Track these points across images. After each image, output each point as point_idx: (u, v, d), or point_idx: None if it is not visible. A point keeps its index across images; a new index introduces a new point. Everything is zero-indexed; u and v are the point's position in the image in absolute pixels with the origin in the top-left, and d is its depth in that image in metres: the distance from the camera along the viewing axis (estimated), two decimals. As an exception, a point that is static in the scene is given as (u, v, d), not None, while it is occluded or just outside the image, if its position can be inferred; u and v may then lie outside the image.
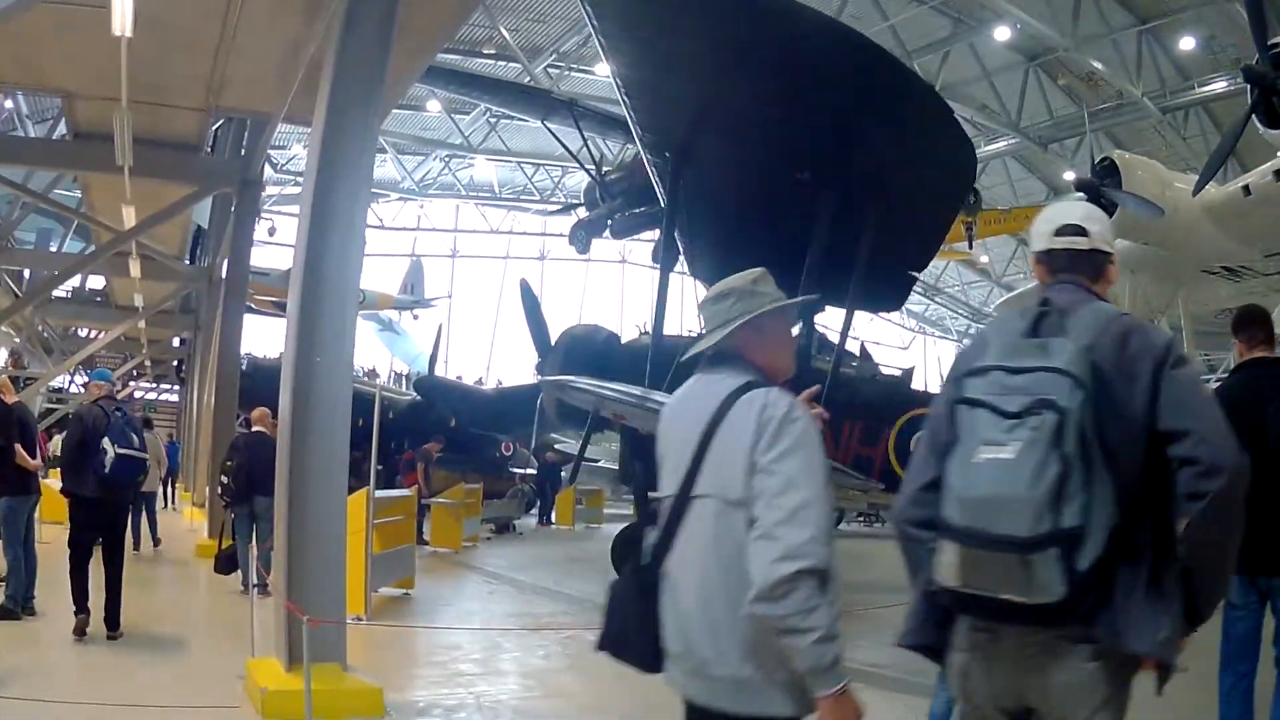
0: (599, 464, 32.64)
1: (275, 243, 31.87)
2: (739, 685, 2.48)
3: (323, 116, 6.81)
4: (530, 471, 28.10)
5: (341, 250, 6.83)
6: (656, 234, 24.42)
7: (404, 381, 35.87)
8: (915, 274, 11.33)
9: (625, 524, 27.17)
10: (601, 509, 26.71)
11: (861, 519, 28.21)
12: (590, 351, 14.02)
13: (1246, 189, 13.57)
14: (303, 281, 6.68)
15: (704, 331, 2.81)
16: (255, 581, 10.07)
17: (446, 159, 36.19)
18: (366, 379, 32.72)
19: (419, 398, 28.77)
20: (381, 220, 39.60)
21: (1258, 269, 14.93)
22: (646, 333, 14.97)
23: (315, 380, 6.69)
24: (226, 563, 10.62)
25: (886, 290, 11.44)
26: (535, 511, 25.60)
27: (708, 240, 10.82)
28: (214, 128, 15.78)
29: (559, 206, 39.05)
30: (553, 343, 14.80)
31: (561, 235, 41.90)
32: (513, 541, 20.60)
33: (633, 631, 2.75)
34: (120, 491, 8.26)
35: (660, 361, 10.76)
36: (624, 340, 14.78)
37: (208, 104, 12.79)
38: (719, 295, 2.79)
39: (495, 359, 41.01)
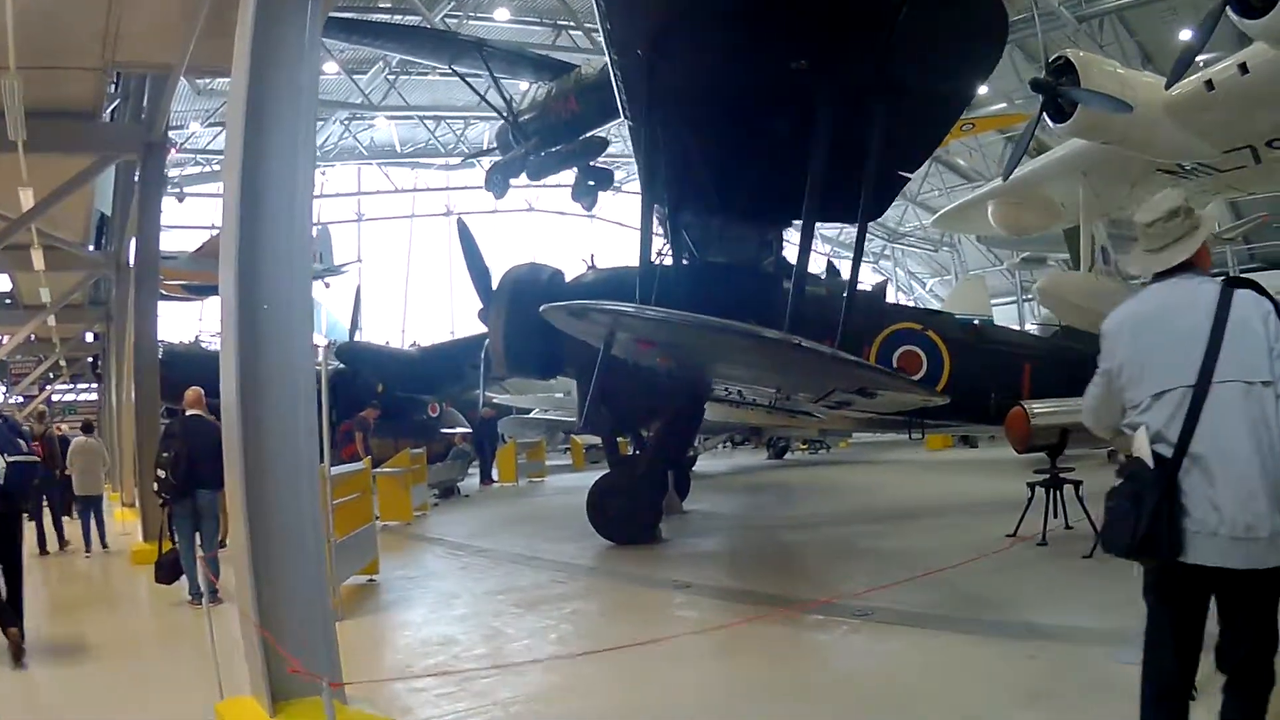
0: (531, 414, 31.22)
1: (182, 225, 29.46)
2: None
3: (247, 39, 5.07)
4: (464, 430, 26.49)
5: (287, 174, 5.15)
6: (572, 174, 23.16)
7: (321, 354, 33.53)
8: (907, 175, 9.96)
9: (572, 473, 26.12)
10: (543, 461, 25.31)
11: (806, 447, 27.45)
12: (537, 291, 12.51)
13: (1209, 83, 12.59)
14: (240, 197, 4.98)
15: (1155, 246, 3.46)
16: (204, 589, 8.58)
17: (347, 121, 33.84)
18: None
19: (343, 366, 26.75)
20: (284, 191, 36.77)
21: (1215, 166, 14.10)
22: (593, 266, 13.50)
23: (265, 340, 5.02)
24: (169, 570, 8.93)
25: (878, 196, 10.09)
26: (474, 471, 24.00)
27: (687, 155, 9.26)
28: (112, 96, 14.24)
29: (461, 160, 37.16)
30: (495, 286, 13.19)
31: (467, 188, 40.12)
32: (461, 506, 19.03)
33: (1160, 523, 3.10)
34: (15, 502, 7.52)
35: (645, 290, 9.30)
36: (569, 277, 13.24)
37: (104, 61, 11.28)
38: (1170, 213, 3.47)
39: (409, 320, 39.09)
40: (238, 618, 4.95)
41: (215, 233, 31.33)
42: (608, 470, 12.94)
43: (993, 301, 29.98)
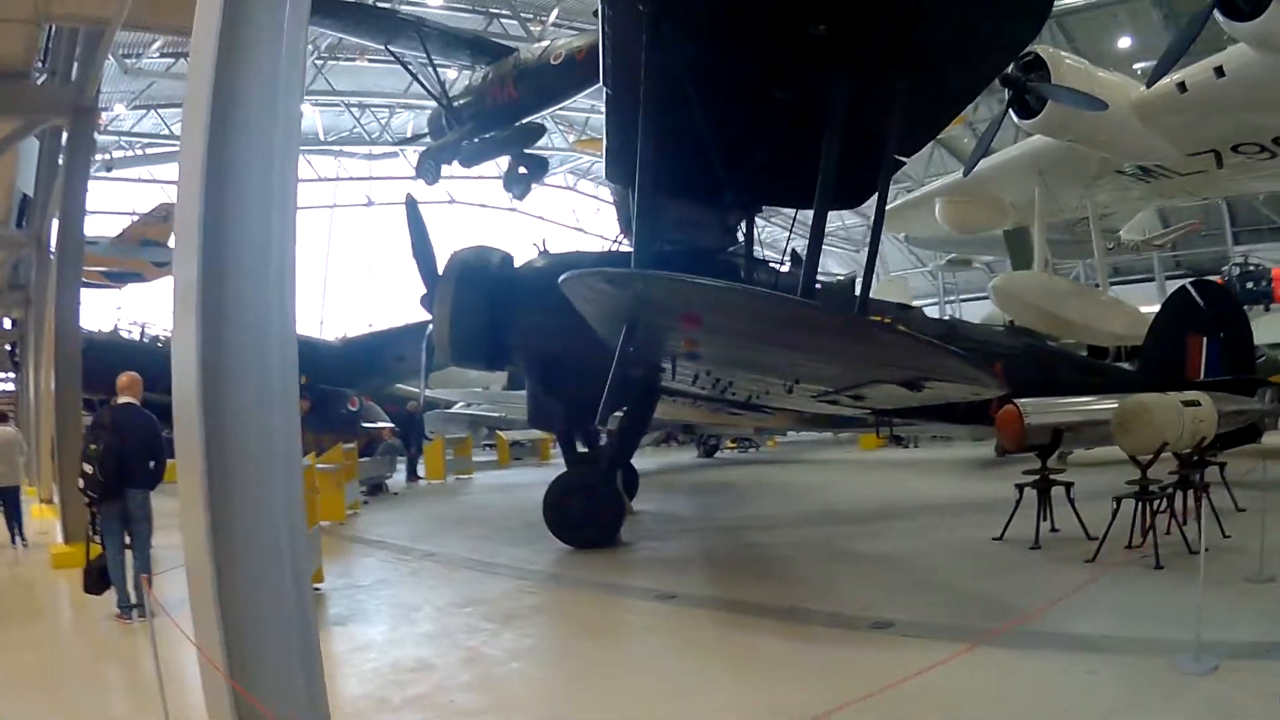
0: (455, 409, 29.80)
1: (103, 210, 27.44)
2: None
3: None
4: (388, 425, 25.01)
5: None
6: (504, 164, 22.01)
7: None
8: (904, 160, 9.11)
9: (498, 470, 24.86)
10: (470, 459, 23.96)
11: (735, 445, 26.68)
12: (487, 276, 11.42)
13: (1182, 85, 12.17)
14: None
15: None
16: (135, 602, 7.47)
17: (271, 109, 31.85)
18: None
19: (263, 355, 24.98)
20: (205, 176, 34.58)
21: (1175, 169, 13.73)
22: (545, 252, 12.43)
23: (232, 319, 3.90)
24: (99, 579, 7.67)
25: (867, 180, 9.25)
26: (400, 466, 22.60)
27: (671, 132, 8.20)
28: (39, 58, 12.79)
29: (391, 148, 35.55)
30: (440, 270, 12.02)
31: (389, 179, 38.40)
32: (392, 504, 17.68)
33: None
34: None
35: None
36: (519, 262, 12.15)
37: (36, 13, 10.29)
38: None
39: (327, 311, 37.20)
40: (190, 647, 3.81)
41: (138, 217, 29.40)
42: (565, 469, 11.80)
43: (915, 303, 29.70)
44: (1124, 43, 19.88)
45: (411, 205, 12.57)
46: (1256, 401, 11.20)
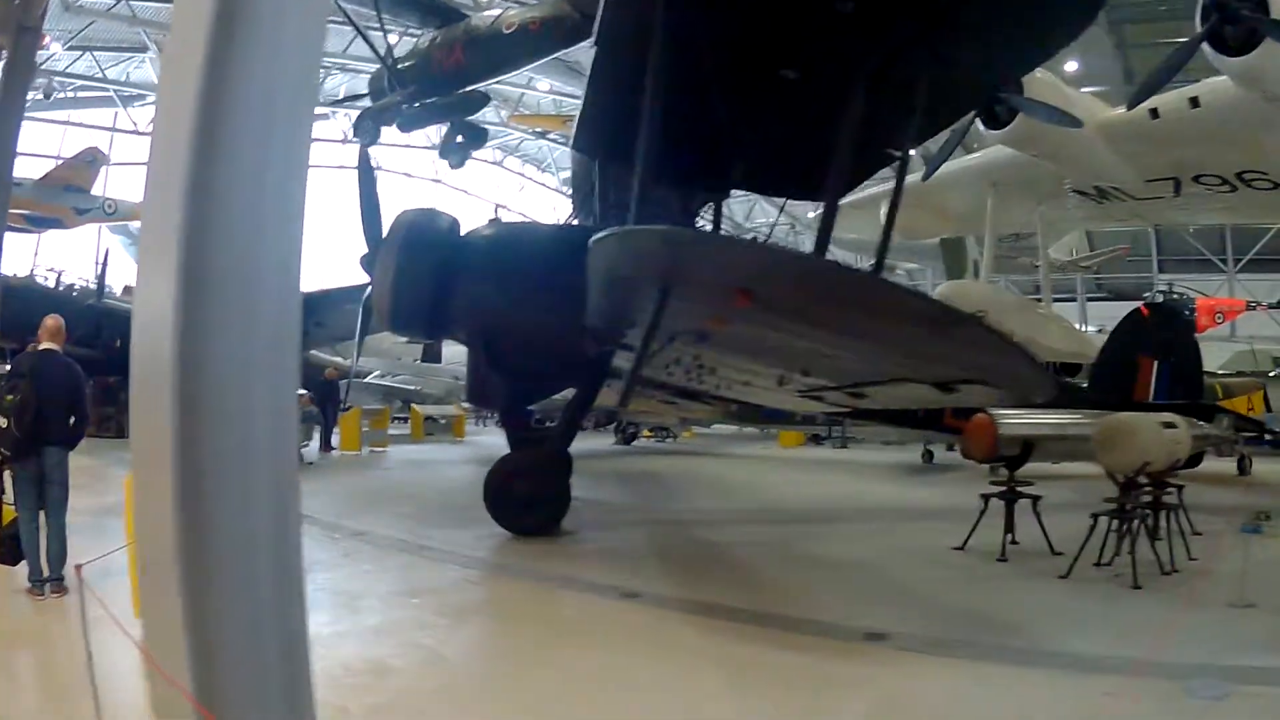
0: (369, 379, 28.39)
1: (23, 153, 25.16)
2: None
3: None
4: (303, 391, 23.57)
5: None
6: (442, 130, 20.91)
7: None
8: (896, 154, 8.48)
9: (412, 444, 23.68)
10: (386, 431, 22.72)
11: (652, 434, 25.98)
12: (434, 240, 10.47)
13: (1154, 112, 11.91)
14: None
15: None
16: (49, 575, 6.61)
17: (207, 60, 29.95)
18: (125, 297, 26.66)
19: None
20: (136, 125, 32.39)
21: (1130, 193, 13.54)
22: (497, 219, 11.52)
23: (219, 274, 3.00)
24: (13, 548, 6.65)
25: (855, 173, 8.65)
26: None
27: (662, 100, 7.39)
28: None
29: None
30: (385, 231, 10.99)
31: (317, 140, 36.50)
32: (308, 474, 16.36)
33: None
34: None
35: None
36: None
37: None
38: None
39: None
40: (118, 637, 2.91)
41: (62, 161, 27.19)
42: (508, 450, 10.84)
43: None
44: (1071, 66, 19.86)
45: (364, 159, 11.50)
46: (1215, 427, 11.02)
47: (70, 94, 29.45)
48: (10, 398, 6.45)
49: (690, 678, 5.30)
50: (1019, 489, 8.99)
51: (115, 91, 30.03)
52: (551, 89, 33.18)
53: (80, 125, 30.77)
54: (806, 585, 7.80)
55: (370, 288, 11.49)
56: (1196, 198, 13.12)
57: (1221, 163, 12.33)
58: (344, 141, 35.59)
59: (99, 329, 22.04)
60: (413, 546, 9.15)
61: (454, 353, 27.21)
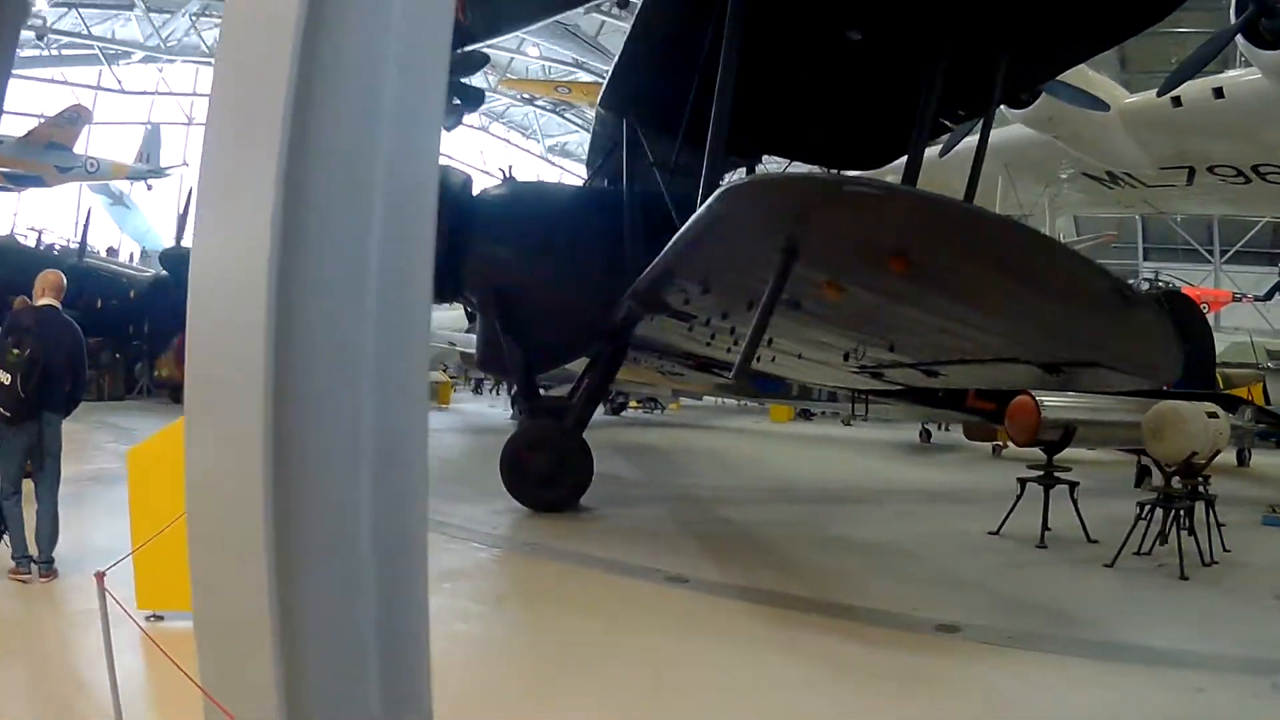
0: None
1: (6, 111, 23.89)
2: None
3: None
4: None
5: None
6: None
7: (145, 262, 28.64)
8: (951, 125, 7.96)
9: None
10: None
11: (639, 405, 25.39)
12: (446, 198, 9.74)
13: (1177, 100, 11.50)
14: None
15: None
16: (40, 557, 5.88)
17: (195, 16, 28.54)
18: (107, 258, 25.65)
19: (164, 273, 22.43)
20: (121, 83, 31.07)
21: (1142, 179, 13.15)
22: (510, 179, 10.82)
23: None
24: None
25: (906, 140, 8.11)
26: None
27: (716, 60, 6.78)
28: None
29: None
30: None
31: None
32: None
33: None
34: None
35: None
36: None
37: None
38: None
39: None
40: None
41: (45, 119, 25.88)
42: (527, 422, 10.16)
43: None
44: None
45: None
46: (1239, 418, 10.69)
47: (55, 51, 28.10)
48: (15, 353, 5.72)
49: (774, 673, 4.86)
50: (1056, 474, 8.55)
51: (100, 49, 28.66)
52: (541, 54, 32.12)
53: (64, 83, 29.39)
54: (854, 571, 7.33)
55: None
56: (1208, 188, 12.79)
57: (1239, 154, 11.99)
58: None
59: (80, 290, 21.19)
60: (430, 524, 8.53)
61: (436, 318, 26.39)
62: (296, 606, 2.43)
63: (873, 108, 8.11)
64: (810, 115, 8.53)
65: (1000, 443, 14.35)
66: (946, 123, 8.30)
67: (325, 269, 2.41)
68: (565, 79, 33.78)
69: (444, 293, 10.46)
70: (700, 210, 4.23)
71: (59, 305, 6.12)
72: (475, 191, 10.23)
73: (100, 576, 4.04)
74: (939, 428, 18.04)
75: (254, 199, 2.33)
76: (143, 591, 4.96)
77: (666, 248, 5.42)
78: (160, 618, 4.97)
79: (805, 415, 23.12)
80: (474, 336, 22.02)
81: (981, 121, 7.72)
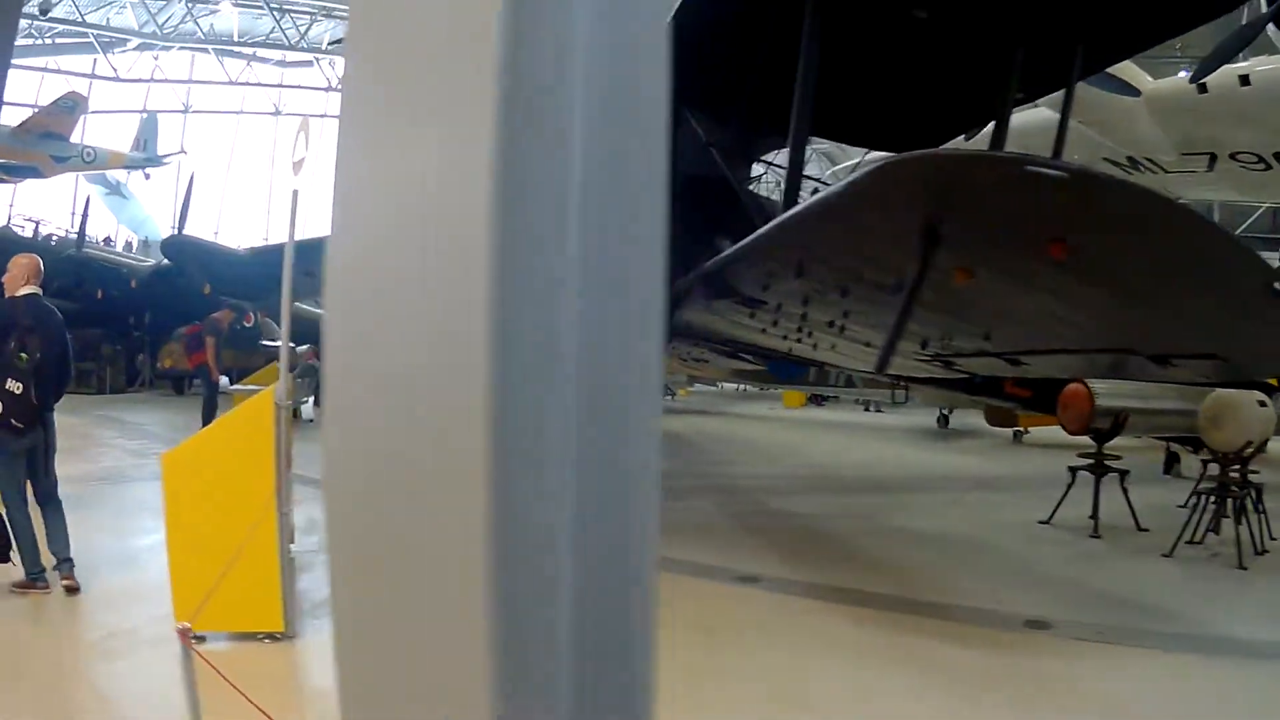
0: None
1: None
2: None
3: None
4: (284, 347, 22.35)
5: None
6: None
7: (143, 251, 28.12)
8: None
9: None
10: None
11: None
12: None
13: (1203, 86, 11.42)
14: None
15: None
16: (60, 554, 5.58)
17: (191, 3, 28.01)
18: (103, 247, 25.18)
19: (166, 261, 21.99)
20: (116, 71, 30.37)
21: (1163, 165, 13.09)
22: None
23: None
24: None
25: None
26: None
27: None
28: None
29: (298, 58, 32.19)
30: None
31: (299, 88, 34.78)
32: (310, 433, 15.40)
33: None
34: None
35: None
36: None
37: None
38: None
39: (224, 221, 33.56)
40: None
41: (40, 108, 25.30)
42: None
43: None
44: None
45: None
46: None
47: (48, 40, 27.48)
48: (24, 357, 5.37)
49: (882, 683, 4.76)
50: (1107, 463, 8.51)
51: (95, 36, 28.04)
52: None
53: (58, 71, 28.75)
54: (927, 565, 7.26)
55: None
56: (1229, 175, 12.75)
57: (1263, 141, 11.96)
58: (328, 89, 33.94)
59: (79, 280, 20.85)
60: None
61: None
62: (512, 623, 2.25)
63: (927, 91, 7.98)
64: (864, 96, 8.39)
65: (1021, 429, 14.35)
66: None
67: (537, 261, 2.23)
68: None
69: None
70: (839, 187, 4.05)
71: (40, 292, 5.70)
72: None
73: (186, 633, 3.84)
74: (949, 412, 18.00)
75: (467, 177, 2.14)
76: (181, 610, 4.67)
77: (769, 227, 5.25)
78: (201, 638, 4.60)
79: (816, 400, 23.05)
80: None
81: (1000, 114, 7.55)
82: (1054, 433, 14.21)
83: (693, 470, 11.76)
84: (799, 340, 7.39)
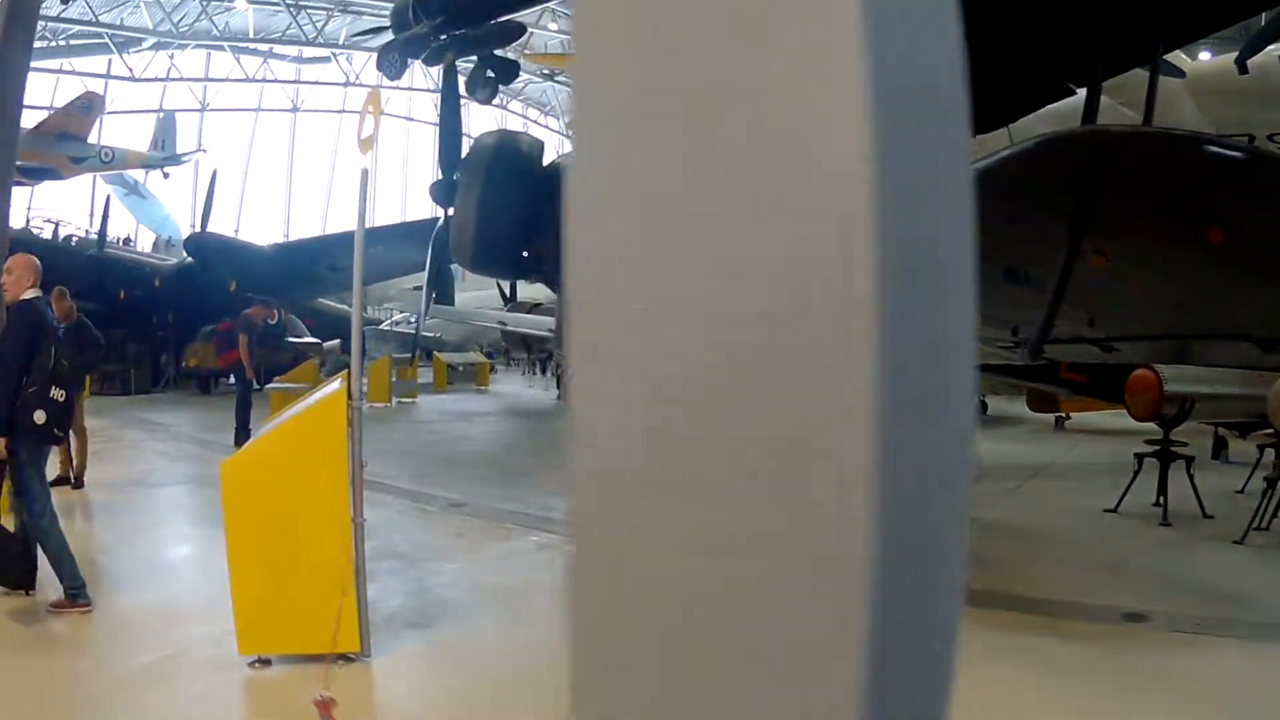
0: (381, 326, 26.99)
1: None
2: None
3: None
4: (315, 342, 22.17)
5: None
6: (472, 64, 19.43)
7: (164, 251, 27.96)
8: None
9: (435, 394, 22.44)
10: (415, 381, 21.40)
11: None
12: (525, 168, 9.23)
13: (1244, 67, 11.19)
14: None
15: None
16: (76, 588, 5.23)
17: (205, 2, 27.76)
18: (123, 247, 25.04)
19: (190, 259, 21.84)
20: (132, 71, 30.19)
21: (1200, 145, 12.81)
22: None
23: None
24: (22, 563, 5.16)
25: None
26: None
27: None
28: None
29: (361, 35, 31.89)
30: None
31: (317, 83, 34.53)
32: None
33: None
34: None
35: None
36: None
37: None
38: None
39: (245, 219, 33.41)
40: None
41: (56, 109, 25.11)
42: (557, 400, 9.57)
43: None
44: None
45: (450, 78, 10.22)
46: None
47: (63, 41, 27.29)
48: (64, 364, 5.20)
49: (984, 674, 4.52)
50: (1174, 449, 8.28)
51: (110, 36, 27.82)
52: (560, 28, 31.25)
53: (73, 73, 28.57)
54: (1005, 557, 7.05)
55: (441, 221, 10.38)
56: (1261, 155, 12.48)
57: (1302, 122, 11.65)
58: (346, 85, 33.69)
59: (101, 282, 20.73)
60: (534, 520, 8.00)
61: (468, 298, 25.88)
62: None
63: (987, 77, 7.75)
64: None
65: (1064, 414, 14.11)
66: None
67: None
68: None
69: (521, 267, 9.92)
70: (988, 161, 3.85)
71: (41, 293, 5.50)
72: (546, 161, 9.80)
73: (327, 706, 3.64)
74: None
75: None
76: (245, 636, 4.45)
77: None
78: (267, 662, 4.50)
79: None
80: (523, 316, 21.65)
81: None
82: (1096, 418, 14.01)
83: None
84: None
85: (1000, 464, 11.73)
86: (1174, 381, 8.10)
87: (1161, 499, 8.22)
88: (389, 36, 19.08)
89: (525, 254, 9.51)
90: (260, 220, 33.35)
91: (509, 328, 19.80)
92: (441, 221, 10.53)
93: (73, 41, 27.91)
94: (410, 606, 5.60)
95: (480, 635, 5.16)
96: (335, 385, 4.88)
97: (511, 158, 9.36)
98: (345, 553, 4.45)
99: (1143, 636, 5.26)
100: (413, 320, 26.50)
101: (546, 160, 9.68)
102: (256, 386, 13.87)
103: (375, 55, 22.17)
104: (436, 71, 24.75)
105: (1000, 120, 8.90)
